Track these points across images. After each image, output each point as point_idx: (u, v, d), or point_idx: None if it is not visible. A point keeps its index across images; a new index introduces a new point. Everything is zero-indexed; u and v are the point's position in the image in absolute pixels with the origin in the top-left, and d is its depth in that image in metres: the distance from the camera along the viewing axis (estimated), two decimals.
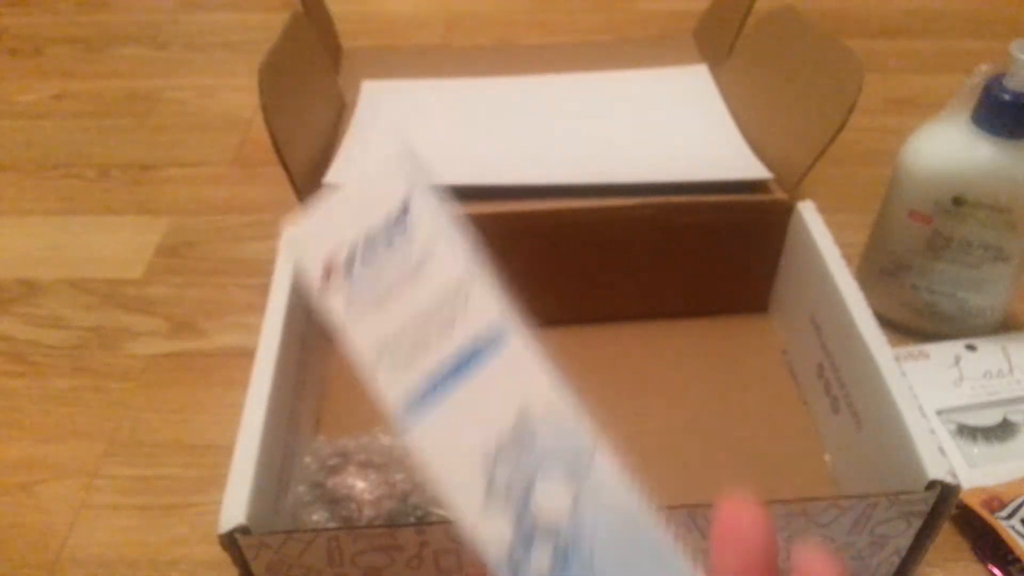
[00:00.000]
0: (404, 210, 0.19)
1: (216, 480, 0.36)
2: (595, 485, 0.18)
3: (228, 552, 0.33)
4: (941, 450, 0.35)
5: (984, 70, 0.45)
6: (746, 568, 0.19)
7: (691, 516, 0.32)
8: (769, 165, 0.50)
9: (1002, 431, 0.47)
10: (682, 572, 0.18)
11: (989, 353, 0.50)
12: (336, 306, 0.19)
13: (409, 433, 0.18)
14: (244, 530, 0.32)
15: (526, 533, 0.18)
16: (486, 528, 0.18)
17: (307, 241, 0.19)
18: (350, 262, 0.19)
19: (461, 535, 0.18)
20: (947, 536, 0.43)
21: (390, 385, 0.18)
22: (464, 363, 0.19)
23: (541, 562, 0.18)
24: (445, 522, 0.34)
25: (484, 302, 0.19)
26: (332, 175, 0.50)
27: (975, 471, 0.44)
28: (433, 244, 0.19)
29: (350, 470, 0.41)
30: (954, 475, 0.34)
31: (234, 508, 0.33)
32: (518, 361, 0.19)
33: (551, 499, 0.18)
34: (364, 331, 0.19)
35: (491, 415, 0.18)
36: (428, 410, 0.18)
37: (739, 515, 0.19)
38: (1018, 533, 0.40)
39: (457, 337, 0.19)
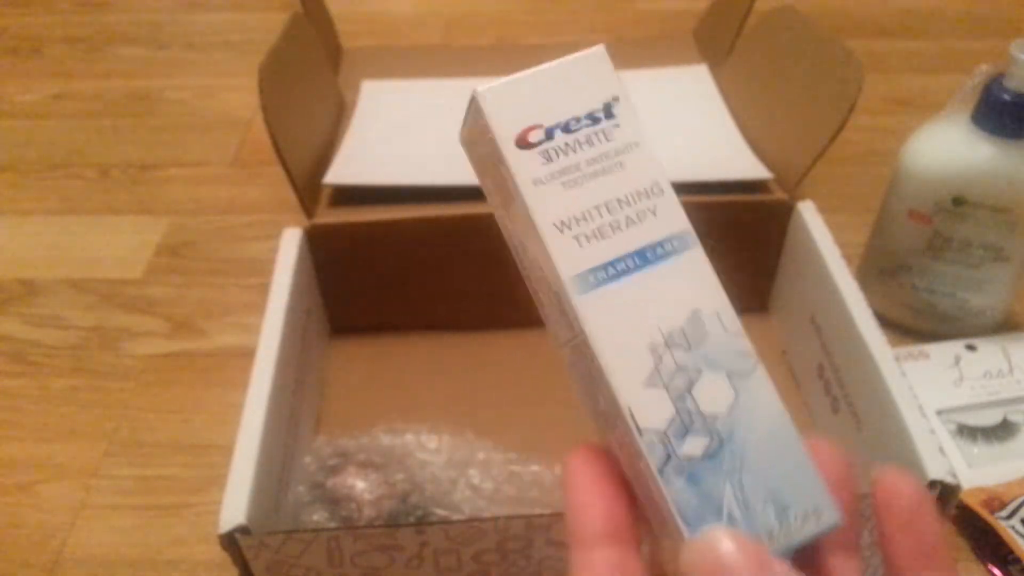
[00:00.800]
0: (607, 110, 0.21)
1: (216, 480, 0.36)
2: (753, 391, 0.20)
3: (228, 552, 0.33)
4: (941, 450, 0.35)
5: (984, 70, 0.45)
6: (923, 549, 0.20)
7: None
8: (769, 165, 0.50)
9: (1002, 431, 0.47)
10: (818, 486, 0.20)
11: (989, 353, 0.50)
12: (526, 172, 0.20)
13: (579, 302, 0.20)
14: (244, 530, 0.32)
15: (685, 418, 0.19)
16: (645, 405, 0.19)
17: (505, 101, 0.21)
18: (548, 137, 0.20)
19: (616, 404, 0.19)
20: (947, 536, 0.43)
21: (568, 257, 0.20)
22: (649, 256, 0.20)
23: (695, 448, 0.19)
24: (445, 522, 0.34)
25: (673, 211, 0.21)
26: (332, 175, 0.50)
27: (975, 471, 0.44)
28: (630, 149, 0.21)
29: (350, 470, 0.41)
30: (954, 475, 0.34)
31: (234, 508, 0.33)
32: (697, 269, 0.21)
33: (714, 393, 0.20)
34: (551, 203, 0.20)
35: (667, 306, 0.20)
36: (605, 285, 0.20)
37: (903, 493, 0.20)
38: (1018, 533, 0.40)
39: (646, 232, 0.20)
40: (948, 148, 0.47)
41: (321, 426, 0.48)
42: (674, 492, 0.19)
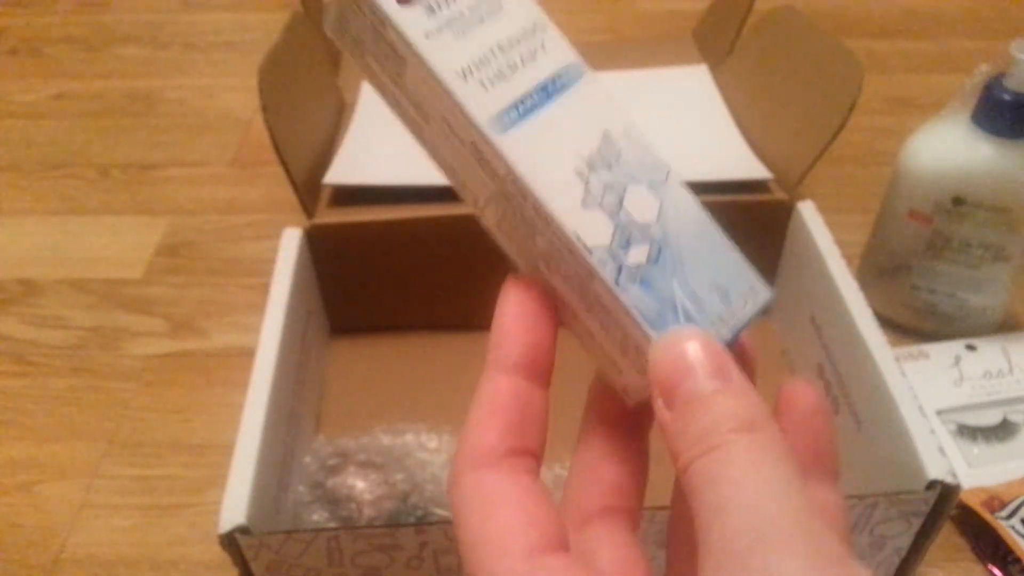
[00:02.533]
0: None
1: (216, 480, 0.36)
2: (673, 194, 0.21)
3: (228, 552, 0.33)
4: (941, 450, 0.35)
5: (984, 70, 0.45)
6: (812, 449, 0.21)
7: None
8: (769, 165, 0.50)
9: (1002, 431, 0.47)
10: (747, 269, 0.22)
11: (989, 353, 0.50)
12: (415, 27, 0.20)
13: (501, 142, 0.20)
14: (244, 530, 0.32)
15: (624, 231, 0.21)
16: (587, 225, 0.20)
17: None
18: None
19: (559, 233, 0.20)
20: (947, 536, 0.43)
21: (479, 102, 0.20)
22: (550, 89, 0.21)
23: (639, 255, 0.21)
24: (445, 522, 0.34)
25: (560, 45, 0.22)
26: (332, 175, 0.50)
27: (975, 471, 0.44)
28: None
29: (350, 470, 0.41)
30: (954, 475, 0.34)
31: (234, 508, 0.33)
32: (596, 94, 0.21)
33: (642, 205, 0.21)
34: (447, 53, 0.20)
35: (579, 133, 0.21)
36: (519, 123, 0.21)
37: (804, 396, 0.21)
38: (1018, 533, 0.40)
39: (541, 67, 0.21)
40: (948, 148, 0.47)
41: (321, 426, 0.48)
42: (632, 299, 0.20)
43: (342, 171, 0.50)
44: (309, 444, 0.44)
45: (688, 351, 0.19)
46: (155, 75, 0.82)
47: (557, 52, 0.21)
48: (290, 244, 0.47)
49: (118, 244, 0.62)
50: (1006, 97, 0.44)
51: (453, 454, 0.43)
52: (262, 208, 0.65)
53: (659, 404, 0.19)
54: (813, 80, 0.49)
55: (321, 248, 0.49)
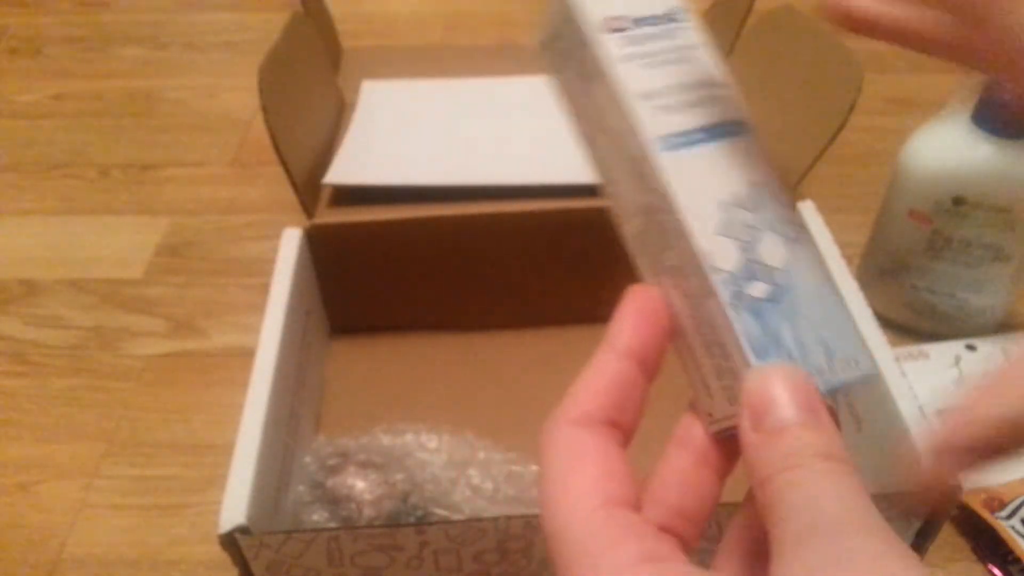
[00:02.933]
0: (671, 16, 0.25)
1: (216, 480, 0.36)
2: (803, 253, 0.23)
3: (228, 552, 0.33)
4: None
5: None
6: None
7: None
8: None
9: None
10: (859, 341, 0.22)
11: (989, 353, 0.50)
12: (613, 51, 0.23)
13: (662, 159, 0.22)
14: (244, 530, 0.32)
15: (751, 265, 0.22)
16: (718, 250, 0.22)
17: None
18: (627, 27, 0.24)
19: (690, 250, 0.22)
20: (947, 536, 0.43)
21: (652, 121, 0.23)
22: (716, 132, 0.23)
23: (759, 290, 0.22)
24: (445, 522, 0.34)
25: (734, 101, 0.24)
26: (332, 175, 0.50)
27: None
28: (693, 48, 0.24)
29: (350, 470, 0.41)
30: None
31: (234, 508, 0.33)
32: (754, 151, 0.24)
33: (773, 250, 0.22)
34: (636, 78, 0.23)
35: (731, 176, 0.23)
36: (681, 149, 0.23)
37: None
38: (1018, 533, 0.40)
39: (712, 113, 0.23)
40: (948, 148, 0.47)
41: (321, 426, 0.48)
42: (742, 324, 0.21)
43: (342, 171, 0.50)
44: (309, 444, 0.44)
45: (782, 383, 0.20)
46: (155, 75, 0.82)
47: (731, 106, 0.24)
48: (290, 244, 0.47)
49: (118, 244, 0.62)
50: (1006, 97, 0.44)
51: (454, 456, 0.43)
52: (262, 208, 0.65)
53: (746, 426, 0.20)
54: (813, 80, 0.49)
55: (321, 248, 0.49)
